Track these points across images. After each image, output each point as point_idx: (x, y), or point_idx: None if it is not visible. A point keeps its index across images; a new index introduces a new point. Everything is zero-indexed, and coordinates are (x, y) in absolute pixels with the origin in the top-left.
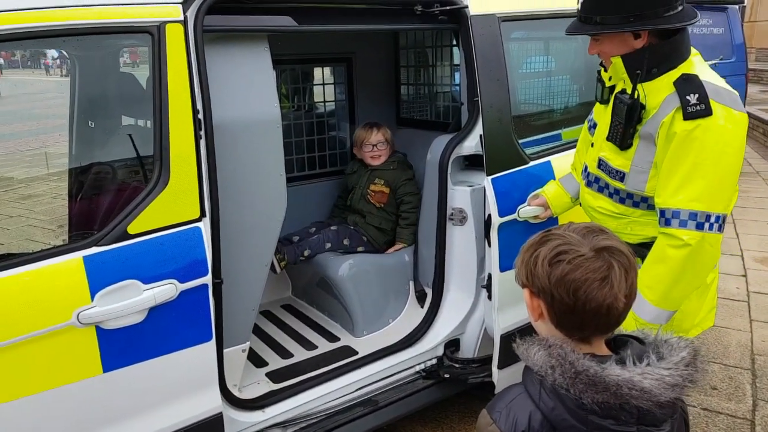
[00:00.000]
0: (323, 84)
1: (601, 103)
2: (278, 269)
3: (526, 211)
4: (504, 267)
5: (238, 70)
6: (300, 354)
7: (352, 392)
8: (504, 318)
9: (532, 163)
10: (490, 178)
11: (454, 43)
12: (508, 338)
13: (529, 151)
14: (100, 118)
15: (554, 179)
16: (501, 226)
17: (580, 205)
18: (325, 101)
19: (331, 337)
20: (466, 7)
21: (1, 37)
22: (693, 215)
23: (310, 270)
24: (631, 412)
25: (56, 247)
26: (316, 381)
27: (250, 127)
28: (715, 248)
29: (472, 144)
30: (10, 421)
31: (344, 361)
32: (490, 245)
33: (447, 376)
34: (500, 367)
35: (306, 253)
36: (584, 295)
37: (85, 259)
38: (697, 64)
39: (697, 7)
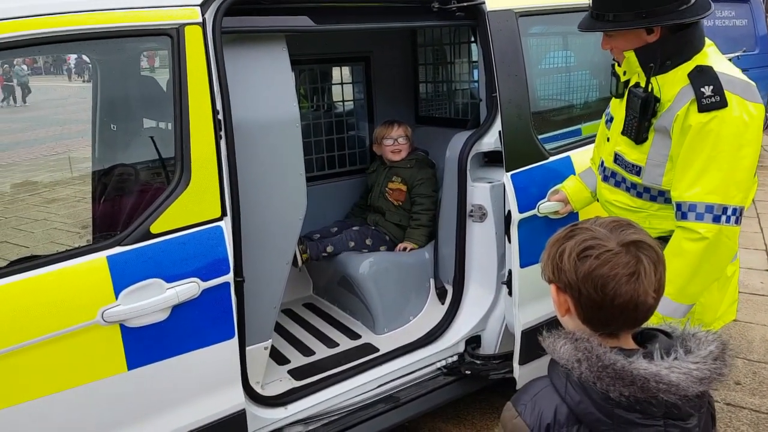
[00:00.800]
0: (342, 83)
1: (616, 97)
2: (300, 262)
3: (546, 206)
4: (525, 263)
5: (256, 70)
6: (322, 351)
7: (374, 389)
8: (524, 314)
9: (551, 159)
10: (509, 174)
11: (472, 39)
12: (529, 334)
13: (548, 146)
14: (122, 120)
15: (574, 174)
16: (521, 222)
17: (598, 200)
18: (343, 100)
19: (353, 335)
20: (483, 2)
21: (23, 42)
22: (709, 208)
23: (331, 268)
24: (658, 406)
25: (81, 247)
26: (337, 378)
27: (270, 126)
28: (732, 241)
29: (491, 140)
30: (38, 418)
31: (365, 358)
32: (510, 241)
33: (468, 372)
34: (521, 363)
35: (329, 249)
36: (612, 291)
37: (109, 258)
38: (711, 55)
39: None
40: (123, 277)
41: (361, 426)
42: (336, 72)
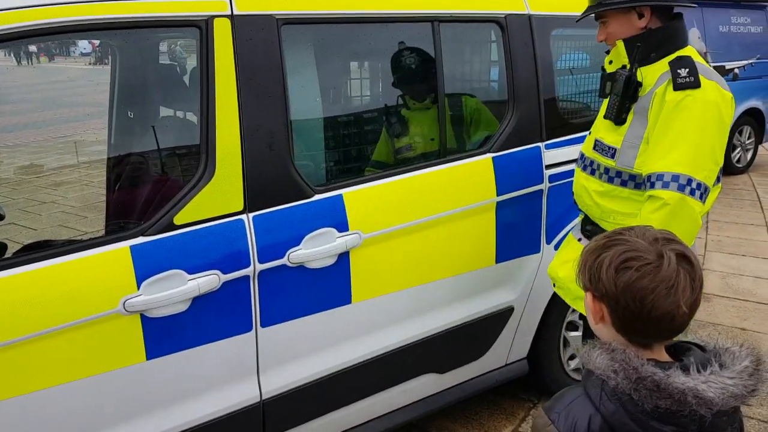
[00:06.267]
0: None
1: (603, 97)
2: None
3: (303, 255)
4: (271, 322)
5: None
6: None
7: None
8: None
9: (316, 197)
10: (252, 215)
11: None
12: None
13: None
14: (143, 109)
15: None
16: (262, 274)
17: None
18: None
19: None
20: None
21: (50, 29)
22: (675, 177)
23: None
24: (693, 419)
25: (104, 236)
26: None
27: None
28: (696, 213)
29: None
30: (58, 404)
31: None
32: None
33: None
34: None
35: None
36: (651, 303)
37: (132, 248)
38: (692, 53)
39: (735, 5)
40: (145, 267)
41: (369, 424)
42: None
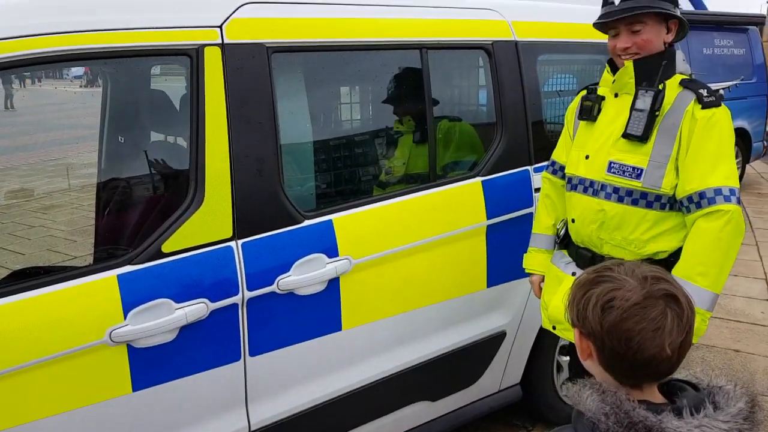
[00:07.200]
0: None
1: (588, 120)
2: None
3: (293, 281)
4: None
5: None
6: None
7: None
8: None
9: (306, 223)
10: (240, 241)
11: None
12: None
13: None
14: (133, 135)
15: (532, 248)
16: (251, 301)
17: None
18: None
19: None
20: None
21: (42, 59)
22: (732, 191)
23: None
24: None
25: (91, 265)
26: None
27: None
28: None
29: None
30: None
31: None
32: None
33: None
34: None
35: None
36: (637, 345)
37: (119, 277)
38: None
39: (718, 28)
40: (133, 296)
41: None
42: None
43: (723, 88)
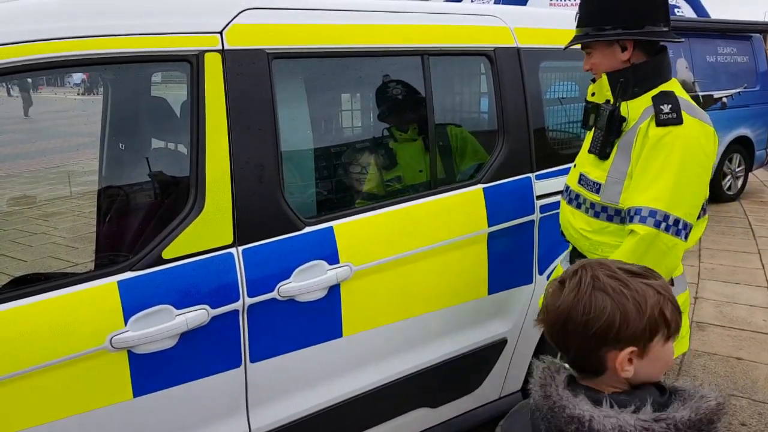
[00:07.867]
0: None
1: (587, 129)
2: None
3: (293, 288)
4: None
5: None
6: None
7: None
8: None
9: (306, 230)
10: (241, 248)
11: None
12: None
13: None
14: (133, 141)
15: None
16: (252, 308)
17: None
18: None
19: None
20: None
21: (41, 65)
22: (653, 213)
23: None
24: None
25: (91, 271)
26: None
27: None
28: (671, 251)
29: None
30: None
31: None
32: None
33: None
34: None
35: None
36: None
37: (120, 283)
38: (676, 86)
39: (722, 36)
40: (133, 302)
41: None
42: None
43: (726, 96)
